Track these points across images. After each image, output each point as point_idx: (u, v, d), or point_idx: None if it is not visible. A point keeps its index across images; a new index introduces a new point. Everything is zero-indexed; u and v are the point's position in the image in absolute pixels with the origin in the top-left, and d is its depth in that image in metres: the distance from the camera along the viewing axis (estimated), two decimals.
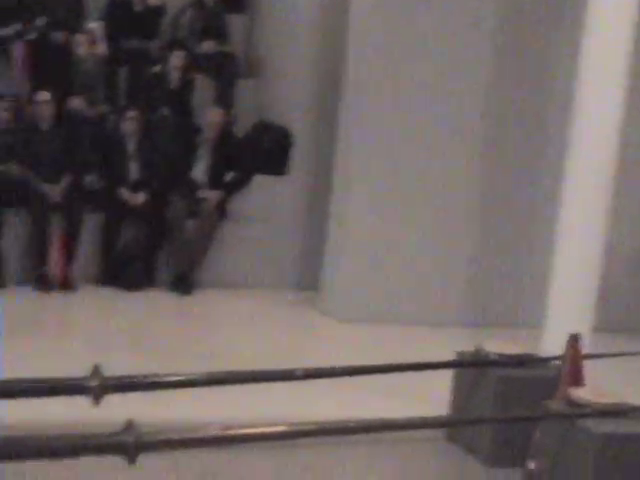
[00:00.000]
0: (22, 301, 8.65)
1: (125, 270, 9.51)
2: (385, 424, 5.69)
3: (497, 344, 6.83)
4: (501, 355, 6.46)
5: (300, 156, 10.28)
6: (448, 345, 7.05)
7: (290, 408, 6.42)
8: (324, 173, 9.69)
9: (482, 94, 9.38)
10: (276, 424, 5.72)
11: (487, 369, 6.57)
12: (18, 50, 10.06)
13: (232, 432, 5.52)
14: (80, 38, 10.21)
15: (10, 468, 4.53)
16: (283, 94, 10.72)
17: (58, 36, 10.43)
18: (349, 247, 9.17)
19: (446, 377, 6.70)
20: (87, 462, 5.26)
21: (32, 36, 10.38)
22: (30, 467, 4.95)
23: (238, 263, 10.00)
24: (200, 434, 5.46)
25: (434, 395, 6.73)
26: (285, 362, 6.52)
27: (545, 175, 9.41)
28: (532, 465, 5.79)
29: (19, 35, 10.23)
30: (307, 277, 9.97)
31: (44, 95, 9.49)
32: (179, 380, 5.67)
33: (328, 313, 9.13)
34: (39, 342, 7.67)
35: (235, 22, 11.56)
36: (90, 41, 10.33)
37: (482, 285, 9.51)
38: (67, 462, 5.19)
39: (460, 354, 6.68)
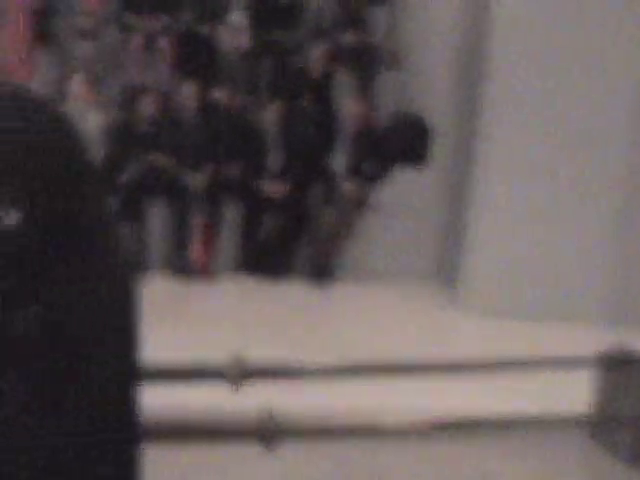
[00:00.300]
0: (163, 288, 8.83)
1: (264, 260, 9.45)
2: (526, 420, 5.78)
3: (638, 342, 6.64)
4: None
5: (440, 147, 10.14)
6: (587, 342, 6.84)
7: (427, 402, 6.38)
8: (464, 164, 9.62)
9: (630, 93, 9.13)
10: (413, 417, 5.88)
11: (631, 367, 6.41)
12: (164, 43, 10.12)
13: (370, 423, 5.68)
14: (224, 30, 10.13)
15: (149, 451, 4.69)
16: (424, 85, 10.60)
17: (203, 29, 10.37)
18: (488, 240, 9.05)
19: (584, 374, 6.49)
20: (225, 448, 5.54)
21: (178, 29, 10.30)
22: (169, 451, 5.07)
23: (377, 254, 9.98)
24: (339, 423, 5.68)
25: (573, 392, 6.50)
26: (418, 354, 6.60)
27: None
28: None
29: (166, 28, 10.25)
30: (447, 269, 9.89)
31: (189, 87, 9.47)
32: (318, 370, 5.78)
33: (466, 306, 9.04)
34: (179, 329, 7.82)
35: (377, 14, 11.19)
36: (234, 33, 10.20)
37: (622, 282, 9.32)
38: (206, 447, 5.53)
39: (604, 352, 6.47)
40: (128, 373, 4.03)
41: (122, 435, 4.02)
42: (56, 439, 3.60)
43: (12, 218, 3.31)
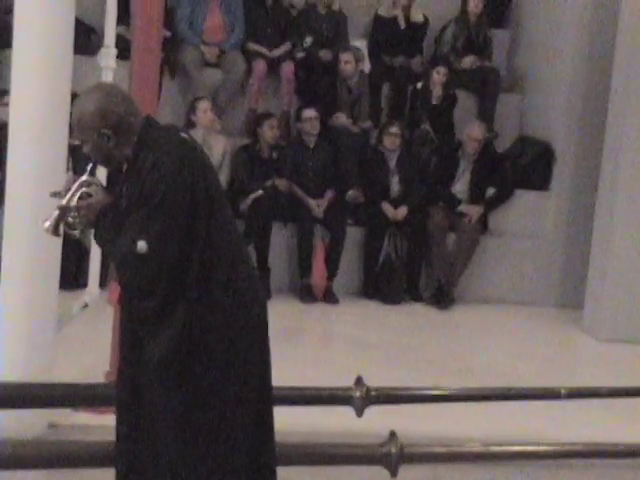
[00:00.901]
0: (287, 311, 8.67)
1: (386, 283, 9.34)
2: None
3: None
4: None
5: (562, 171, 10.02)
6: None
7: (552, 428, 6.25)
8: (587, 189, 9.52)
9: None
10: (539, 443, 5.80)
11: None
12: (286, 69, 10.04)
13: (495, 449, 5.72)
14: (345, 56, 9.98)
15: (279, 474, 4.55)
16: (545, 109, 10.56)
17: (324, 55, 10.27)
18: (613, 266, 8.83)
19: None
20: (346, 471, 5.55)
21: (300, 55, 10.29)
22: (293, 473, 5.07)
23: (499, 278, 9.89)
24: (463, 448, 5.66)
25: None
26: (543, 380, 6.77)
27: None
28: None
29: (288, 55, 10.24)
30: (569, 294, 9.74)
31: (310, 112, 9.45)
32: (440, 394, 5.91)
33: (591, 332, 8.87)
34: (302, 351, 7.82)
35: (497, 37, 11.20)
36: (355, 59, 10.05)
37: None
38: (327, 470, 5.52)
39: None
40: (263, 395, 4.01)
41: (259, 457, 4.11)
42: (198, 462, 3.90)
43: (142, 247, 3.60)
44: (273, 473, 4.42)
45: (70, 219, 4.09)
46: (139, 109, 4.18)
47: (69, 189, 4.08)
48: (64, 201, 4.05)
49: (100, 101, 4.02)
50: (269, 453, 4.42)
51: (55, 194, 4.13)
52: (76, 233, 4.26)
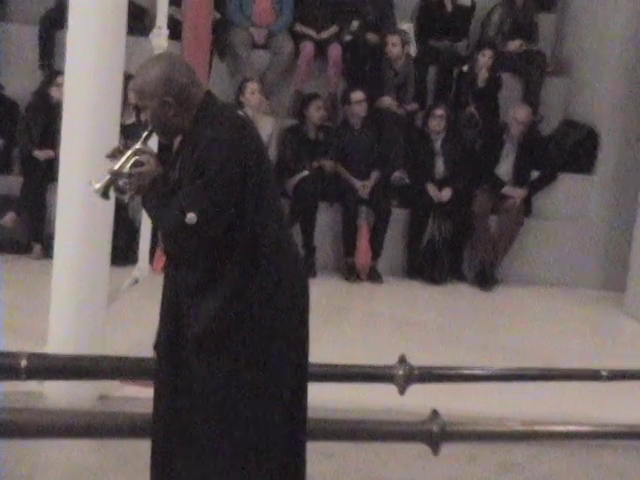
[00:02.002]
0: (331, 289, 8.76)
1: (430, 264, 9.47)
2: None
3: None
4: None
5: (606, 155, 10.10)
6: None
7: (592, 409, 6.25)
8: (630, 173, 9.69)
9: None
10: (580, 423, 5.77)
11: None
12: (334, 51, 10.07)
13: (536, 428, 5.66)
14: (392, 39, 10.05)
15: (318, 448, 4.66)
16: (590, 93, 10.61)
17: (371, 37, 10.31)
18: None
19: None
20: (389, 447, 5.65)
21: (347, 38, 10.33)
22: (336, 448, 5.27)
23: (542, 260, 9.93)
24: (504, 428, 5.67)
25: None
26: (585, 362, 6.74)
27: None
28: None
29: (335, 37, 10.30)
30: (612, 277, 9.78)
31: (358, 95, 9.53)
32: (482, 374, 5.91)
33: (632, 314, 8.92)
34: (346, 329, 7.80)
35: (543, 21, 11.29)
36: (402, 42, 10.12)
37: None
38: (370, 446, 5.63)
39: None
40: (298, 373, 4.04)
41: (293, 425, 4.09)
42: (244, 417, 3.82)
43: (191, 218, 3.52)
44: (303, 449, 4.44)
45: (121, 184, 4.11)
46: (201, 82, 4.16)
47: (123, 155, 4.13)
48: (116, 166, 4.08)
49: (165, 69, 4.04)
50: (301, 429, 4.44)
51: (112, 156, 4.16)
52: (125, 198, 4.31)
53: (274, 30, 10.19)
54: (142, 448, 4.64)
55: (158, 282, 5.51)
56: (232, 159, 4.00)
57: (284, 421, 4.24)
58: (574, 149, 10.15)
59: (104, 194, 4.08)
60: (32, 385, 5.66)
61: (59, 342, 6.02)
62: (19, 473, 5.32)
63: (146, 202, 4.21)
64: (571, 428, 5.65)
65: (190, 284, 4.16)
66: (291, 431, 4.32)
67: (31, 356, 5.17)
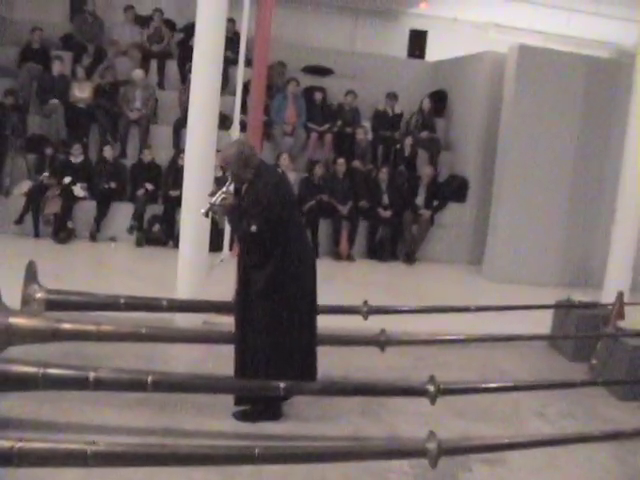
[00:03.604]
0: (325, 265, 8.61)
1: (379, 250, 10.18)
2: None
3: (580, 296, 7.17)
4: (579, 302, 7.02)
5: (472, 192, 10.99)
6: (548, 297, 7.27)
7: (465, 328, 6.38)
8: (485, 201, 10.48)
9: (572, 154, 9.80)
10: (460, 334, 6.01)
11: (571, 310, 6.96)
12: (328, 137, 10.82)
13: (440, 338, 5.91)
14: (360, 130, 10.92)
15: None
16: (464, 159, 11.33)
17: (348, 129, 11.05)
18: (503, 234, 9.76)
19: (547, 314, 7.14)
20: (355, 350, 5.80)
21: (335, 130, 10.95)
22: (324, 350, 5.00)
23: (436, 248, 10.66)
24: (420, 337, 5.90)
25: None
26: (458, 302, 7.19)
27: (606, 193, 9.68)
28: (594, 361, 6.24)
29: (329, 130, 10.94)
30: (475, 255, 10.66)
31: (340, 160, 10.33)
32: (409, 309, 6.31)
33: (487, 277, 9.84)
34: (334, 288, 7.58)
35: (438, 121, 11.88)
36: (364, 132, 11.03)
37: (572, 254, 10.00)
38: (346, 350, 5.83)
39: (558, 301, 7.12)
40: (312, 305, 4.82)
41: (309, 330, 4.75)
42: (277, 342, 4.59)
43: (253, 228, 4.47)
44: (315, 343, 4.79)
45: (215, 209, 4.48)
46: (257, 154, 4.61)
47: (216, 194, 4.51)
48: (212, 200, 4.49)
49: (239, 147, 4.49)
50: (314, 332, 4.78)
51: (210, 195, 4.54)
52: (217, 217, 4.68)
53: (296, 126, 11.07)
54: (226, 350, 5.04)
55: (233, 261, 5.89)
56: (274, 196, 4.39)
57: (303, 324, 4.65)
58: (456, 189, 11.08)
59: (206, 215, 4.58)
60: (168, 315, 6.27)
61: (182, 292, 6.55)
62: (158, 364, 5.56)
63: (229, 219, 4.60)
64: (460, 337, 6.14)
65: (253, 262, 4.51)
66: (309, 332, 4.71)
67: (168, 299, 5.83)
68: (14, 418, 4.42)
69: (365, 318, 5.84)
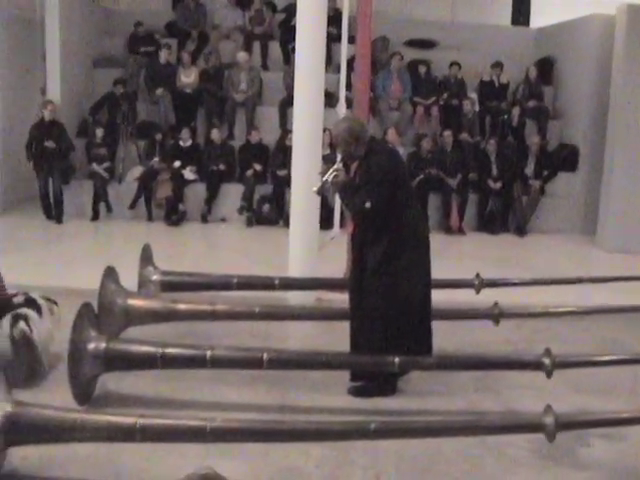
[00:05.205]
0: (437, 239, 7.44)
1: (491, 223, 10.17)
2: None
3: None
4: None
5: (582, 162, 10.85)
6: None
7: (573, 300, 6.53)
8: (597, 171, 10.25)
9: None
10: (566, 306, 5.85)
11: None
12: (434, 111, 10.98)
13: (550, 310, 5.76)
14: (466, 101, 10.95)
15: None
16: (572, 127, 11.28)
17: (454, 101, 11.06)
18: (616, 203, 9.65)
19: None
20: (470, 323, 5.78)
21: (441, 102, 11.07)
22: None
23: (548, 218, 10.58)
24: (534, 310, 5.82)
25: None
26: (570, 274, 7.19)
27: None
28: None
29: (435, 102, 11.01)
30: (587, 222, 10.53)
31: (447, 133, 10.39)
32: (524, 282, 6.21)
33: (603, 248, 9.70)
34: (440, 261, 6.05)
35: (546, 89, 11.68)
36: (471, 103, 11.05)
37: None
38: (460, 323, 5.80)
39: None
40: (427, 284, 4.73)
41: (425, 307, 4.73)
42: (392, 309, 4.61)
43: (368, 205, 4.36)
44: (430, 321, 4.76)
45: (327, 187, 4.53)
46: (367, 130, 4.66)
47: (327, 172, 4.54)
48: (324, 177, 4.54)
49: (348, 124, 4.56)
50: (429, 316, 4.77)
51: (322, 173, 4.59)
52: (329, 195, 5.00)
53: (402, 100, 11.21)
54: (339, 327, 5.13)
55: (344, 239, 6.47)
56: (387, 172, 4.41)
57: (418, 298, 4.63)
58: (566, 158, 11.01)
59: (318, 193, 4.68)
60: (280, 294, 6.35)
61: (294, 271, 6.75)
62: (273, 341, 5.63)
63: (341, 196, 4.65)
64: (576, 309, 5.97)
65: (367, 239, 4.54)
66: (424, 306, 4.68)
67: (280, 278, 5.95)
68: (135, 396, 4.55)
69: (477, 292, 5.77)
